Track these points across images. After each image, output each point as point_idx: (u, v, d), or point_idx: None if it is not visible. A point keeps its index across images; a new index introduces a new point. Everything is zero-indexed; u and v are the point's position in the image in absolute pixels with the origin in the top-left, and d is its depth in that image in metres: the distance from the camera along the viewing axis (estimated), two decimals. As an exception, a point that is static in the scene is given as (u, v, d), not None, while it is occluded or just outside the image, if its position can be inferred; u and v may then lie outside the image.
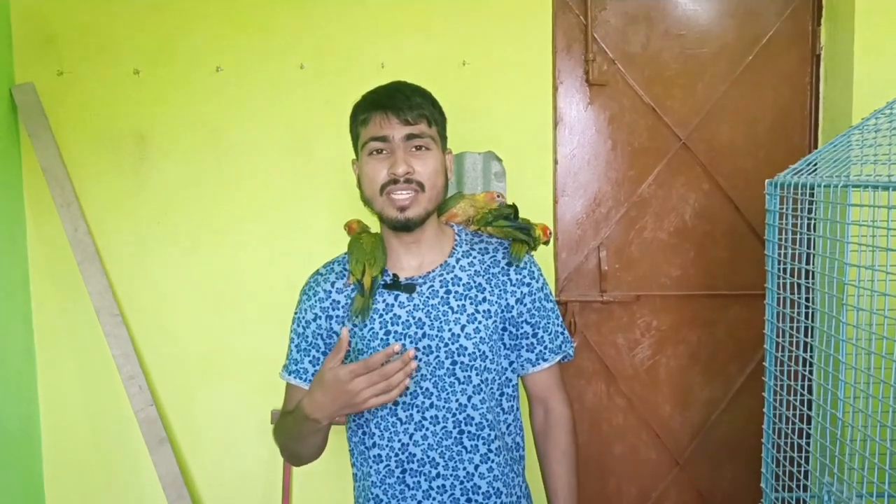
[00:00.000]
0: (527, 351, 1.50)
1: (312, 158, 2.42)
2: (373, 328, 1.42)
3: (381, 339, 1.41)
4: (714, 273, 2.53)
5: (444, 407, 1.41)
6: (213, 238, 2.44)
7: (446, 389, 1.40)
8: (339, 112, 2.32)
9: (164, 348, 2.45)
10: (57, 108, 2.38)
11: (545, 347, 1.50)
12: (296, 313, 1.52)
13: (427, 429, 1.41)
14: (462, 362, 1.40)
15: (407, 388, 1.29)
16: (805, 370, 1.69)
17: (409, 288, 1.43)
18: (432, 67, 2.39)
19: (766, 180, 1.71)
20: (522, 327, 1.49)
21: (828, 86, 2.45)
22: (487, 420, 1.42)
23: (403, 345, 1.38)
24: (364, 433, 1.46)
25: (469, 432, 1.41)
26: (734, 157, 2.50)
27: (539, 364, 1.50)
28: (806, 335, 1.67)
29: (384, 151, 1.38)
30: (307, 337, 1.49)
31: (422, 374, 1.40)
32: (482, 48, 2.38)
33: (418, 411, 1.41)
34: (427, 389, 1.41)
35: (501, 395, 1.47)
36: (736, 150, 2.50)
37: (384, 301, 1.43)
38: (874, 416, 1.41)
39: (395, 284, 1.43)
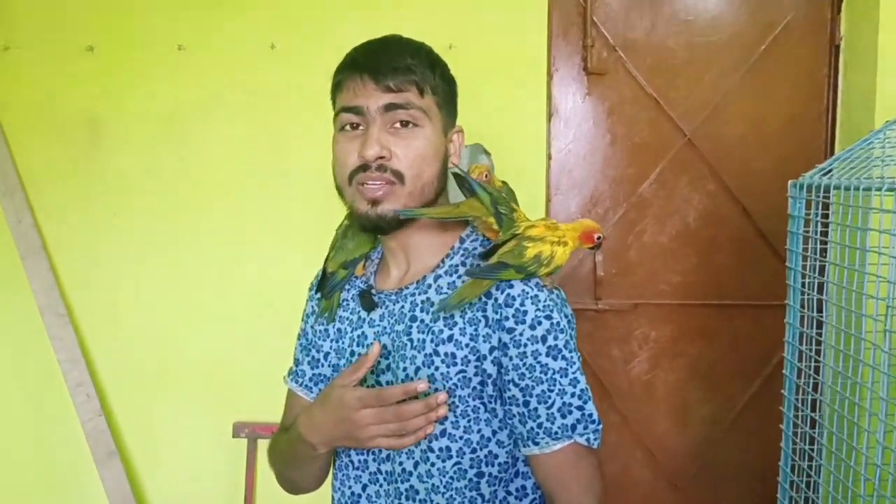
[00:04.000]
0: (519, 423, 1.05)
1: (284, 146, 2.24)
2: (343, 342, 1.17)
3: (347, 358, 1.16)
4: (718, 281, 2.39)
5: (395, 465, 1.11)
6: (172, 233, 2.26)
7: None
8: (312, 95, 2.15)
9: (117, 353, 2.26)
10: (2, 87, 2.20)
11: (539, 426, 1.02)
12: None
13: (381, 485, 1.13)
14: None
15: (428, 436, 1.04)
16: (823, 398, 1.51)
17: (368, 304, 1.14)
18: (416, 50, 2.19)
19: (790, 181, 1.52)
20: (509, 389, 1.04)
21: (847, 79, 2.30)
22: (432, 501, 1.07)
23: (433, 385, 1.05)
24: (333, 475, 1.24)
25: None
26: (743, 155, 2.35)
27: (530, 447, 1.04)
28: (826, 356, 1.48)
29: (358, 127, 1.07)
30: (307, 333, 1.26)
31: None
32: (471, 31, 2.21)
33: (374, 461, 1.13)
34: None
35: (479, 474, 1.07)
36: (745, 147, 2.35)
37: (359, 314, 1.16)
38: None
39: (362, 295, 1.16)
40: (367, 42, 1.11)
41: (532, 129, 2.26)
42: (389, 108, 1.05)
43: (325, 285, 1.20)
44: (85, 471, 2.21)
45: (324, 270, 1.22)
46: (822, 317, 1.48)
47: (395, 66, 1.05)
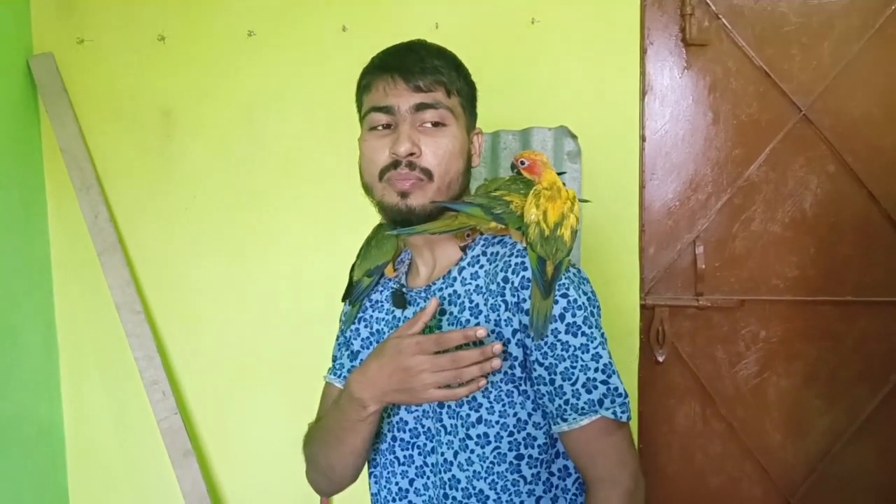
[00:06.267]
0: (549, 402, 1.09)
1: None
2: (378, 343, 1.22)
3: None
4: (840, 275, 2.20)
5: (438, 456, 1.17)
6: (247, 226, 2.20)
7: (436, 438, 1.16)
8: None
9: (194, 350, 2.22)
10: (77, 81, 2.18)
11: (566, 402, 1.07)
12: None
13: (428, 477, 1.17)
14: (448, 406, 1.14)
15: (483, 389, 1.08)
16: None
17: (400, 302, 1.21)
18: (495, 27, 2.10)
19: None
20: (535, 369, 1.09)
21: None
22: (474, 488, 1.12)
23: (492, 332, 1.10)
24: (370, 474, 1.28)
25: (454, 498, 1.13)
26: (868, 131, 2.16)
27: (559, 423, 1.08)
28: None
29: (389, 126, 1.14)
30: (344, 334, 1.34)
31: (423, 411, 1.17)
32: (555, 2, 2.06)
33: (420, 454, 1.18)
34: (429, 430, 1.17)
35: (518, 457, 1.11)
36: (871, 123, 2.16)
37: (394, 314, 1.23)
38: None
39: (394, 294, 1.22)
40: (392, 46, 1.20)
41: (623, 109, 2.10)
42: (420, 107, 1.12)
43: (350, 293, 1.28)
44: (164, 470, 2.18)
45: (350, 279, 1.29)
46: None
47: (424, 67, 1.13)
